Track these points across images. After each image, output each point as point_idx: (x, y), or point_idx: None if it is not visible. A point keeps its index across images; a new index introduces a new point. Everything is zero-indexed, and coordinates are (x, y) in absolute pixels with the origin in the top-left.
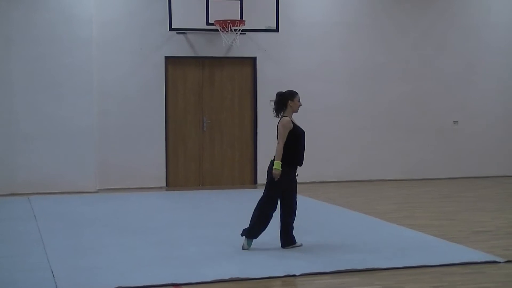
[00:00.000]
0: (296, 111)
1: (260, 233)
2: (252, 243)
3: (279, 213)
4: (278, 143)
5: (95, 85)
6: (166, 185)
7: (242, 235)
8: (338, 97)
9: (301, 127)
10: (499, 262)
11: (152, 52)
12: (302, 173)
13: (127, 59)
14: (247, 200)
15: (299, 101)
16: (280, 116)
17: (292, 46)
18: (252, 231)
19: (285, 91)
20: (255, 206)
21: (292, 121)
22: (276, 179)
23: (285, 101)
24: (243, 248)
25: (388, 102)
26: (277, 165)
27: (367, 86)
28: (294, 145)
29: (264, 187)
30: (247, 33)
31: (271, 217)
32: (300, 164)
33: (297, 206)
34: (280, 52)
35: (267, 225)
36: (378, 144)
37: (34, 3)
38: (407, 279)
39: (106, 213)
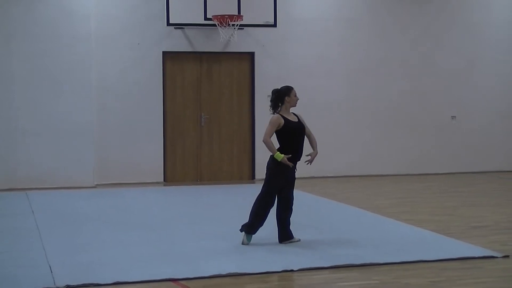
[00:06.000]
0: (294, 106)
1: (259, 228)
2: (252, 238)
3: (276, 208)
4: (264, 138)
5: (93, 81)
6: (164, 180)
7: (241, 230)
8: (336, 93)
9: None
10: (497, 257)
11: (150, 47)
12: (301, 169)
13: (125, 54)
14: (245, 196)
15: (295, 96)
16: (275, 113)
17: (291, 41)
18: (251, 227)
19: (281, 88)
20: (253, 202)
21: (284, 117)
22: (291, 166)
23: (282, 98)
24: (242, 243)
25: (388, 98)
26: (277, 156)
27: (366, 82)
28: (288, 140)
29: (262, 182)
30: (245, 28)
31: (269, 212)
32: (298, 158)
33: (293, 202)
34: (278, 48)
35: (265, 220)
36: (377, 139)
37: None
38: (405, 274)
39: (104, 209)
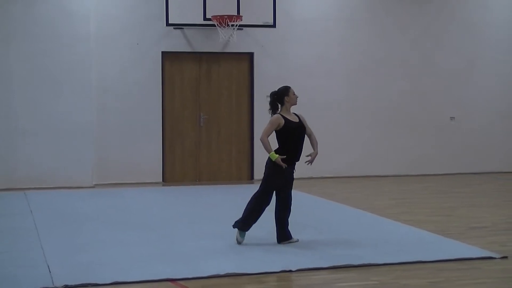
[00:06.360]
0: (295, 104)
1: (252, 225)
2: (245, 237)
3: (274, 208)
4: (261, 136)
5: (93, 81)
6: (163, 180)
7: (234, 227)
8: (336, 93)
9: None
10: (495, 258)
11: (149, 47)
12: (300, 169)
13: (124, 54)
14: (244, 196)
15: (294, 94)
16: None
17: (290, 41)
18: (245, 224)
19: (278, 89)
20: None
21: (285, 117)
22: (284, 167)
23: (281, 98)
24: (237, 241)
25: (388, 98)
26: (272, 156)
27: (366, 82)
28: (287, 140)
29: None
30: (244, 28)
31: (264, 211)
32: (297, 159)
33: (292, 202)
34: (278, 48)
35: (259, 218)
36: (377, 140)
37: None
38: (404, 275)
39: (103, 209)
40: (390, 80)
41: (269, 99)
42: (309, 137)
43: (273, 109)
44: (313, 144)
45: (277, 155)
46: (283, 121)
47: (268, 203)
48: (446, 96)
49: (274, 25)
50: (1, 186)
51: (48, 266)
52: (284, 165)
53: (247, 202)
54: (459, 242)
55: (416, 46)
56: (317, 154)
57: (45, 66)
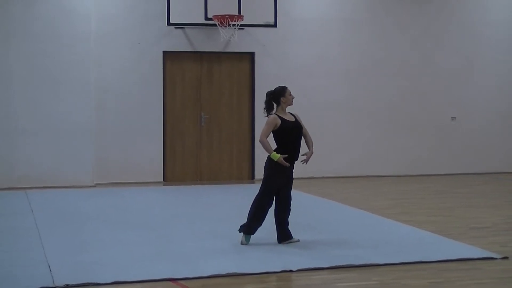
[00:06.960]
0: (291, 104)
1: (257, 228)
2: (250, 238)
3: (274, 208)
4: (260, 138)
5: (93, 80)
6: (163, 180)
7: (240, 231)
8: (336, 93)
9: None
10: (496, 258)
11: (150, 47)
12: (300, 169)
13: (125, 54)
14: (244, 195)
15: (290, 94)
16: (270, 114)
17: (291, 41)
18: (250, 227)
19: (274, 89)
20: (251, 202)
21: (281, 117)
22: (287, 166)
23: (277, 99)
24: (241, 244)
25: (387, 98)
26: (274, 156)
27: (366, 82)
28: (285, 140)
29: (261, 182)
30: (245, 28)
31: (267, 212)
32: (295, 158)
33: (291, 202)
34: (279, 48)
35: (263, 220)
36: (376, 140)
37: None
38: (404, 275)
39: (104, 208)
40: (390, 80)
41: (265, 99)
42: (305, 137)
43: (268, 108)
44: (309, 143)
45: (279, 155)
46: (279, 121)
47: (270, 204)
48: (446, 96)
49: (275, 25)
50: (1, 186)
51: (49, 266)
52: (287, 164)
53: (250, 205)
54: (459, 242)
55: (416, 46)
56: (312, 153)
57: (45, 66)
